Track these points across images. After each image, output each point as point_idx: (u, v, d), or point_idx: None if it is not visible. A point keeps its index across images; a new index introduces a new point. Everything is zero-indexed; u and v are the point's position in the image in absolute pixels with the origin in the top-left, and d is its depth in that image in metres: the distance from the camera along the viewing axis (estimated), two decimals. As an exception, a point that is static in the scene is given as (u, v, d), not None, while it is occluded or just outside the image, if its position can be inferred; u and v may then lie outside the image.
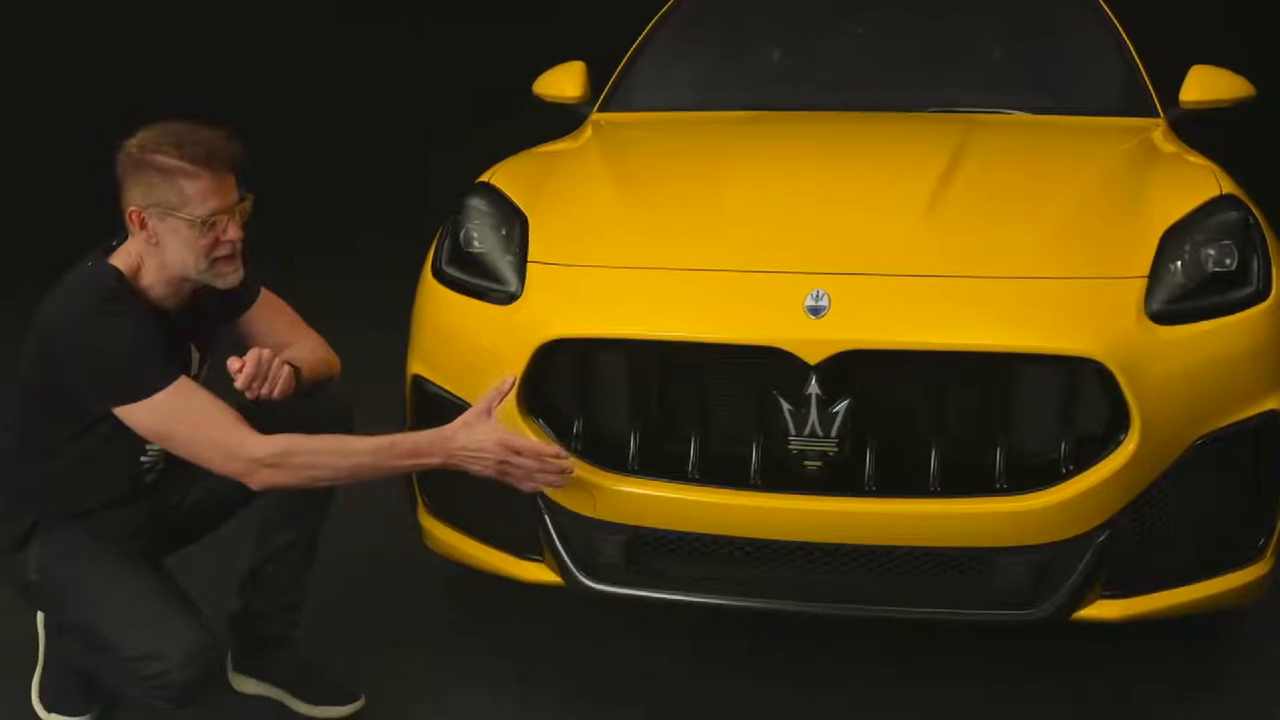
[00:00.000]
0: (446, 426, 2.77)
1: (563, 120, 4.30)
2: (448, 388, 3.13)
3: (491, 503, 3.11)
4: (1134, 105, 4.01)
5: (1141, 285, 2.87)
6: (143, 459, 2.86)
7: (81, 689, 3.00)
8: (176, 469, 2.93)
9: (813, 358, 2.77)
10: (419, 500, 3.32)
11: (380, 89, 8.66)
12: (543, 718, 3.11)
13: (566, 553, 2.98)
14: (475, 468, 2.77)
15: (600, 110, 4.26)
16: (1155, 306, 2.85)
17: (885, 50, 4.34)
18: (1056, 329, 2.79)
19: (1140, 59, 4.19)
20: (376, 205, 8.00)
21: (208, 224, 2.69)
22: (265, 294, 3.06)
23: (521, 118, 4.52)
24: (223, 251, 2.73)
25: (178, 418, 2.66)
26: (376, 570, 3.70)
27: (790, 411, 2.81)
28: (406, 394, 3.26)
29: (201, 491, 2.98)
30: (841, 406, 2.79)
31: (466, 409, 3.04)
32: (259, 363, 2.74)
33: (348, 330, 3.57)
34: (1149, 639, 3.23)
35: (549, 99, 4.43)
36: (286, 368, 2.77)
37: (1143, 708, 3.11)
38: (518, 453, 2.74)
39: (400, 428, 3.28)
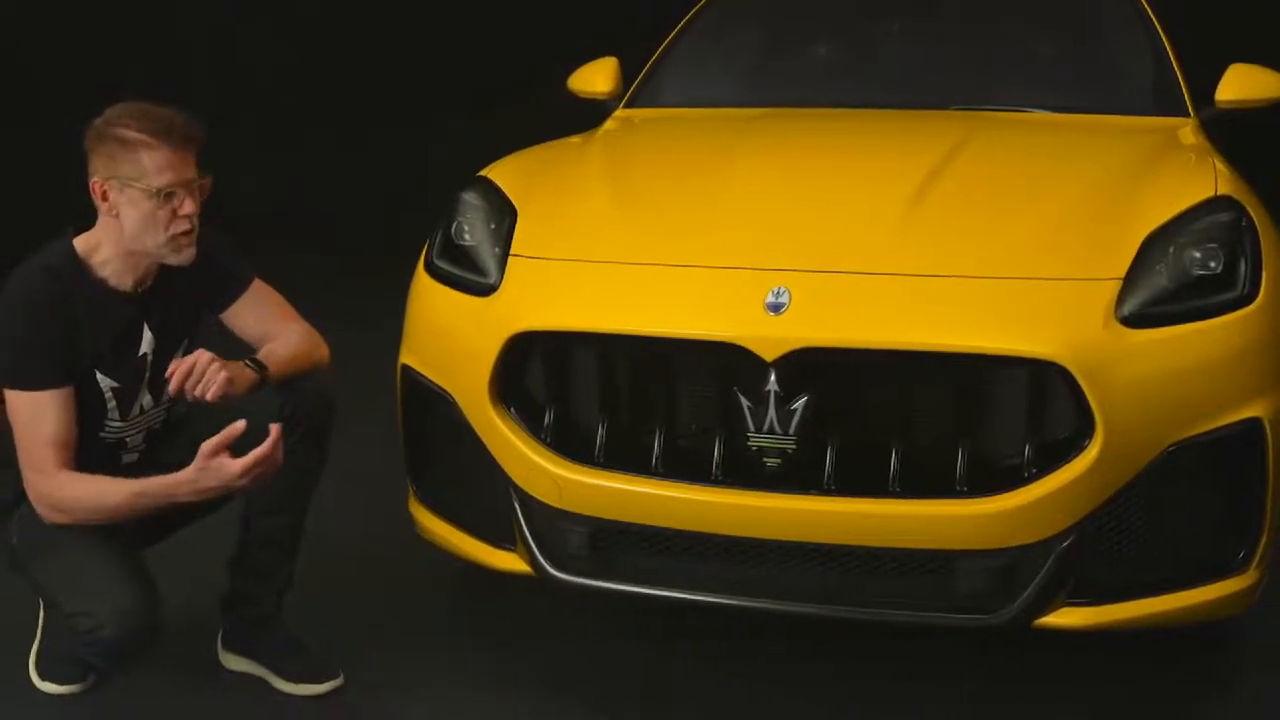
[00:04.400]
0: (189, 469, 2.74)
1: (595, 116, 4.33)
2: (433, 378, 3.18)
3: (470, 492, 3.17)
4: (1163, 105, 3.89)
5: (1114, 287, 2.80)
6: (102, 434, 2.96)
7: (75, 659, 3.10)
8: (159, 455, 3.03)
9: (770, 354, 2.76)
10: (410, 489, 3.38)
11: (387, 86, 8.57)
12: (537, 715, 3.10)
13: (535, 543, 3.02)
14: (228, 490, 2.79)
15: (626, 106, 4.28)
16: (1128, 309, 2.78)
17: (913, 49, 4.28)
18: (1019, 330, 2.74)
19: (1180, 58, 4.07)
20: (379, 203, 7.99)
21: (164, 195, 2.78)
22: (256, 284, 3.13)
23: (552, 113, 4.55)
24: (180, 227, 2.82)
25: (19, 419, 2.82)
26: (372, 563, 3.74)
27: (749, 408, 2.81)
28: (396, 383, 3.32)
29: None
30: (799, 404, 2.78)
31: (449, 399, 3.11)
32: (191, 366, 2.78)
33: (345, 326, 3.62)
34: (1157, 643, 3.15)
35: (582, 95, 4.46)
36: (224, 372, 2.79)
37: (1150, 710, 3.05)
38: (259, 462, 2.72)
39: (393, 421, 3.37)
